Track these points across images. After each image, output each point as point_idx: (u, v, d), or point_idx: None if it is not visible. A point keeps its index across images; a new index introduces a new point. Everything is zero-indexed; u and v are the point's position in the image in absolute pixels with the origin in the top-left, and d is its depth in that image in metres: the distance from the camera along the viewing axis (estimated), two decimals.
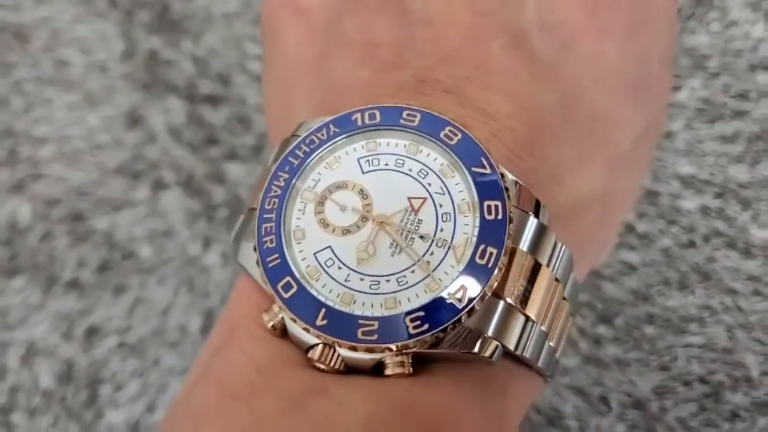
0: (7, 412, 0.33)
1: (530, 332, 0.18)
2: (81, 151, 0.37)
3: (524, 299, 0.17)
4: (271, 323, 0.18)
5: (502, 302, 0.17)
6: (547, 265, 0.18)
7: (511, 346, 0.17)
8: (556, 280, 0.18)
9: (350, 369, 0.17)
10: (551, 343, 0.19)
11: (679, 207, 0.33)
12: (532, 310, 0.17)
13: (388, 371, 0.17)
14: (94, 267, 0.35)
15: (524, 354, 0.17)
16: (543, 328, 0.18)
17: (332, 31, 0.20)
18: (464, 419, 0.17)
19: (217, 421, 0.16)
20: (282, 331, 0.18)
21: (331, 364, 0.17)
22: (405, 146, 0.18)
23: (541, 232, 0.18)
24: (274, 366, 0.17)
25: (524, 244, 0.17)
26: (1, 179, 0.36)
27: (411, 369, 0.17)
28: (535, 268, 0.17)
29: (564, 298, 0.19)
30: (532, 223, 0.18)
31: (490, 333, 0.17)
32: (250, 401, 0.16)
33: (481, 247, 0.17)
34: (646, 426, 0.31)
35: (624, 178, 0.21)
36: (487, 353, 0.17)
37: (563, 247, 0.18)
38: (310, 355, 0.17)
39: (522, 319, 0.17)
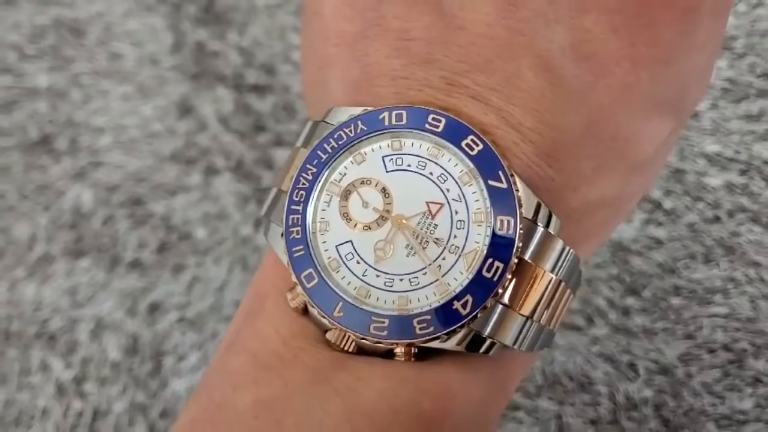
0: (80, 382, 0.34)
1: (528, 329, 0.18)
2: (137, 139, 0.38)
3: (525, 303, 0.18)
4: (295, 302, 0.18)
5: (501, 306, 0.17)
6: (552, 270, 0.18)
7: (508, 343, 0.18)
8: (560, 281, 0.18)
9: (361, 352, 0.18)
10: (549, 327, 0.19)
11: (705, 184, 0.33)
12: (532, 311, 0.18)
13: (396, 359, 0.18)
14: (154, 248, 0.36)
15: (521, 348, 0.18)
16: (542, 322, 0.18)
17: (370, 13, 0.20)
18: (473, 387, 0.18)
19: (252, 389, 0.17)
20: (304, 310, 0.18)
21: (345, 348, 0.18)
22: (428, 149, 0.18)
23: (549, 241, 0.18)
24: (298, 340, 0.18)
25: (531, 255, 0.18)
26: (64, 167, 0.38)
27: (414, 358, 0.18)
28: (539, 275, 0.18)
29: (567, 288, 0.19)
30: (540, 233, 0.18)
31: (487, 333, 0.17)
32: (280, 372, 0.18)
33: (489, 260, 0.17)
34: (672, 391, 0.31)
35: (641, 179, 0.20)
36: (483, 350, 0.18)
37: (569, 250, 0.18)
38: (327, 336, 0.18)
39: (521, 319, 0.18)
